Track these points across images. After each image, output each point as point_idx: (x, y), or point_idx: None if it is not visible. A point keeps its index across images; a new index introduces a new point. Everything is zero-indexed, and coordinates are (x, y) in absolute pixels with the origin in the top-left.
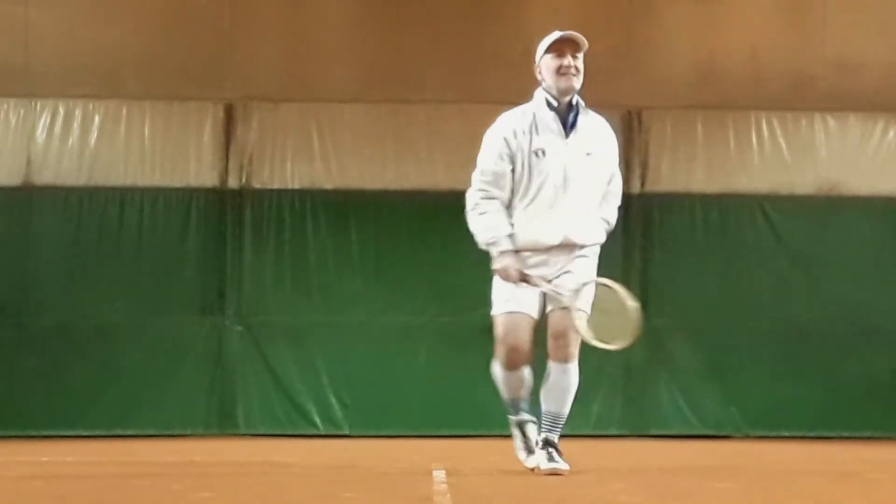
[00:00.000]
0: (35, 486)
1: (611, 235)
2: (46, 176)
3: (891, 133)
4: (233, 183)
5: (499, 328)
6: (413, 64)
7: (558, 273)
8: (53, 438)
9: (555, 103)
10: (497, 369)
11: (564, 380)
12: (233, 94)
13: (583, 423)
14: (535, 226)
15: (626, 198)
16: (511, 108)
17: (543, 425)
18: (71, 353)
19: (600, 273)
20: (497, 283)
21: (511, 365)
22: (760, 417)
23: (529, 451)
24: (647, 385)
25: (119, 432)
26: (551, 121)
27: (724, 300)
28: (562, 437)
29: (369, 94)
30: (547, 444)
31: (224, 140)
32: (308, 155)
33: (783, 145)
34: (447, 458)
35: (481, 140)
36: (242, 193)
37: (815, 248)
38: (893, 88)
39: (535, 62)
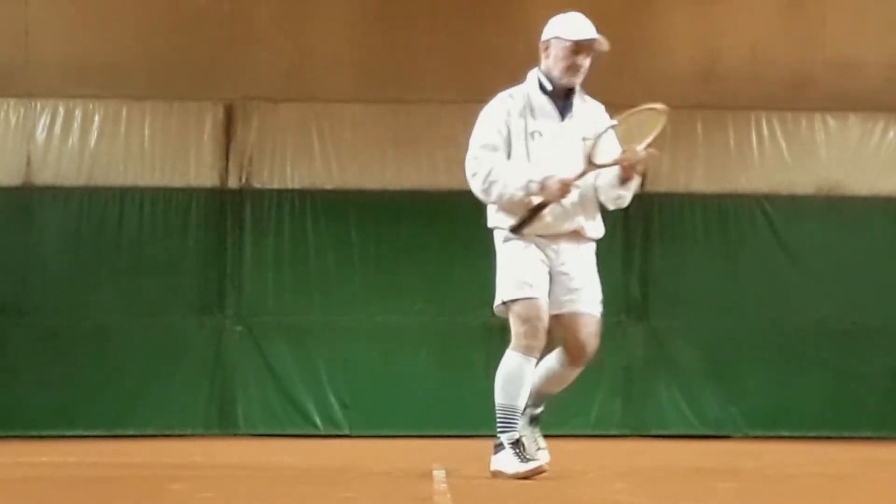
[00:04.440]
0: (35, 486)
1: (611, 233)
2: (46, 176)
3: (891, 133)
4: (233, 183)
5: (519, 312)
6: (413, 64)
7: (567, 275)
8: (53, 438)
9: (549, 87)
10: (513, 358)
11: (572, 378)
12: (233, 94)
13: (583, 423)
14: (541, 215)
15: None
16: None
17: (538, 403)
18: (71, 353)
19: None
20: (507, 267)
21: (533, 349)
22: (760, 417)
23: (527, 458)
24: (647, 385)
25: (119, 432)
26: (546, 104)
27: (724, 300)
28: (562, 437)
29: (369, 94)
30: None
31: (224, 140)
32: (308, 155)
33: (783, 145)
34: (447, 458)
35: None
36: (242, 193)
37: (815, 248)
38: (893, 88)
39: (544, 36)
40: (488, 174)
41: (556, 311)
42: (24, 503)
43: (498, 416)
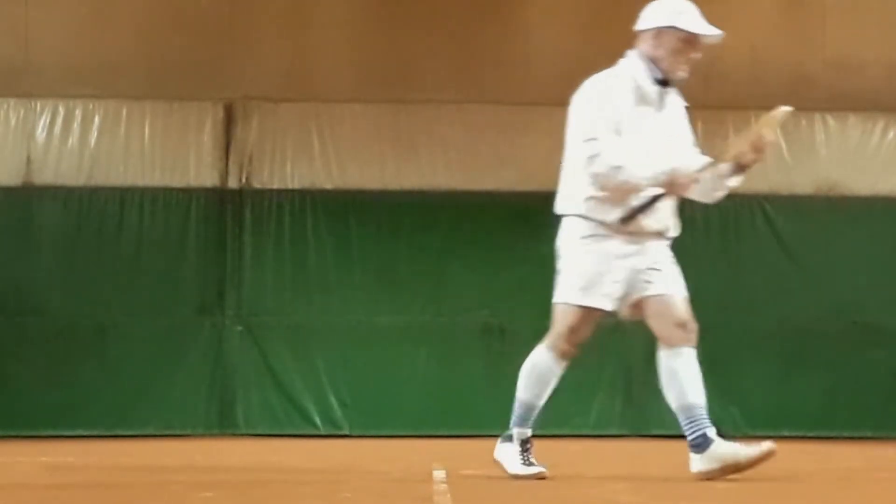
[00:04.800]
0: (35, 486)
1: None
2: (46, 176)
3: (891, 133)
4: (233, 183)
5: (569, 317)
6: (413, 64)
7: (650, 266)
8: (53, 438)
9: (659, 76)
10: (545, 356)
11: (694, 364)
12: (233, 94)
13: (583, 423)
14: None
15: None
16: (510, 108)
17: (697, 424)
18: (71, 353)
19: None
20: (577, 265)
21: (567, 355)
22: (760, 417)
23: (529, 462)
24: (647, 385)
25: (119, 432)
26: (653, 93)
27: (724, 300)
28: (562, 437)
29: (369, 94)
30: (708, 441)
31: (224, 140)
32: (308, 155)
33: (783, 145)
34: (447, 458)
35: (480, 140)
36: (242, 193)
37: (815, 248)
38: (893, 88)
39: (654, 23)
40: (614, 159)
41: (642, 294)
42: (24, 503)
43: (515, 409)
